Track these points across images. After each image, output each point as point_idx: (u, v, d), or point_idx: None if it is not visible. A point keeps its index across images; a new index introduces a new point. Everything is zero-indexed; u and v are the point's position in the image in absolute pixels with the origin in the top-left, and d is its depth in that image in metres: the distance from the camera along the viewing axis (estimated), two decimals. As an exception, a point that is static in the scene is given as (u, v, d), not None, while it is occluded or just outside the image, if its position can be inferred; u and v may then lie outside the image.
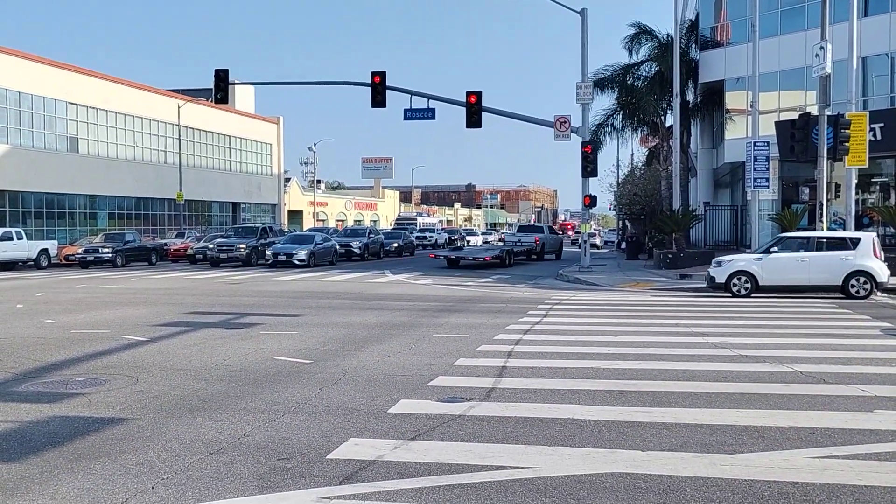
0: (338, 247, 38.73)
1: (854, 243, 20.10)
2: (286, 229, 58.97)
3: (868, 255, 19.84)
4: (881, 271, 19.84)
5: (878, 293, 20.29)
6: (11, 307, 18.04)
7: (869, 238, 20.31)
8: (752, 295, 20.32)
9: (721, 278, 20.73)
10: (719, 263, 21.17)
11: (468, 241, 74.59)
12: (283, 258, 34.38)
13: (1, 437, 6.98)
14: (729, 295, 20.46)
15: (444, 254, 37.73)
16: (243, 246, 36.19)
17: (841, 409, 7.95)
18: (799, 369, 10.04)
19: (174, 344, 12.37)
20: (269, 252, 35.42)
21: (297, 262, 34.20)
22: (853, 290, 19.76)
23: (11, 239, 34.66)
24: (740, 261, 20.99)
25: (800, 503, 5.30)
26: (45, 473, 5.95)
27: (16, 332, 13.79)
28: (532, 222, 60.66)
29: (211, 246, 36.94)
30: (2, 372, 10.03)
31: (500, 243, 44.60)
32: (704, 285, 21.71)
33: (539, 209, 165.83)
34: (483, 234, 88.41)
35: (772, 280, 20.39)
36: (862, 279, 19.75)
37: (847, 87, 26.04)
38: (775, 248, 20.73)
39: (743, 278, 20.45)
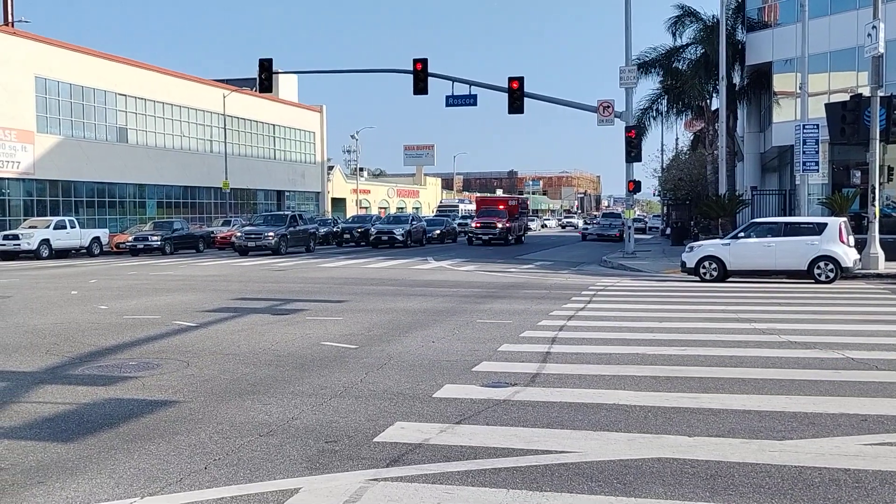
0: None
1: (820, 228, 19.84)
2: (329, 217, 59.37)
3: (833, 241, 19.53)
4: (846, 256, 19.53)
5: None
6: (66, 293, 18.54)
7: (836, 223, 19.92)
8: (725, 280, 20.28)
9: (691, 263, 20.77)
10: (691, 248, 21.30)
11: None
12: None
13: (60, 419, 7.21)
14: (698, 279, 20.43)
15: (583, 231, 52.76)
16: (272, 234, 35.23)
17: (894, 396, 7.79)
18: (850, 356, 9.85)
19: (223, 329, 12.61)
20: (238, 233, 36.28)
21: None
22: (818, 275, 19.52)
23: (65, 227, 35.68)
24: (710, 246, 21.04)
25: (852, 490, 5.22)
26: (102, 453, 6.14)
27: (71, 317, 14.18)
28: (611, 210, 70.37)
29: (238, 234, 36.16)
30: (59, 356, 10.35)
31: (598, 225, 55.85)
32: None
33: (582, 195, 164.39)
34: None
35: (739, 265, 20.30)
36: (826, 264, 19.48)
37: (901, 68, 25.32)
38: (743, 234, 20.78)
39: (711, 263, 20.40)
